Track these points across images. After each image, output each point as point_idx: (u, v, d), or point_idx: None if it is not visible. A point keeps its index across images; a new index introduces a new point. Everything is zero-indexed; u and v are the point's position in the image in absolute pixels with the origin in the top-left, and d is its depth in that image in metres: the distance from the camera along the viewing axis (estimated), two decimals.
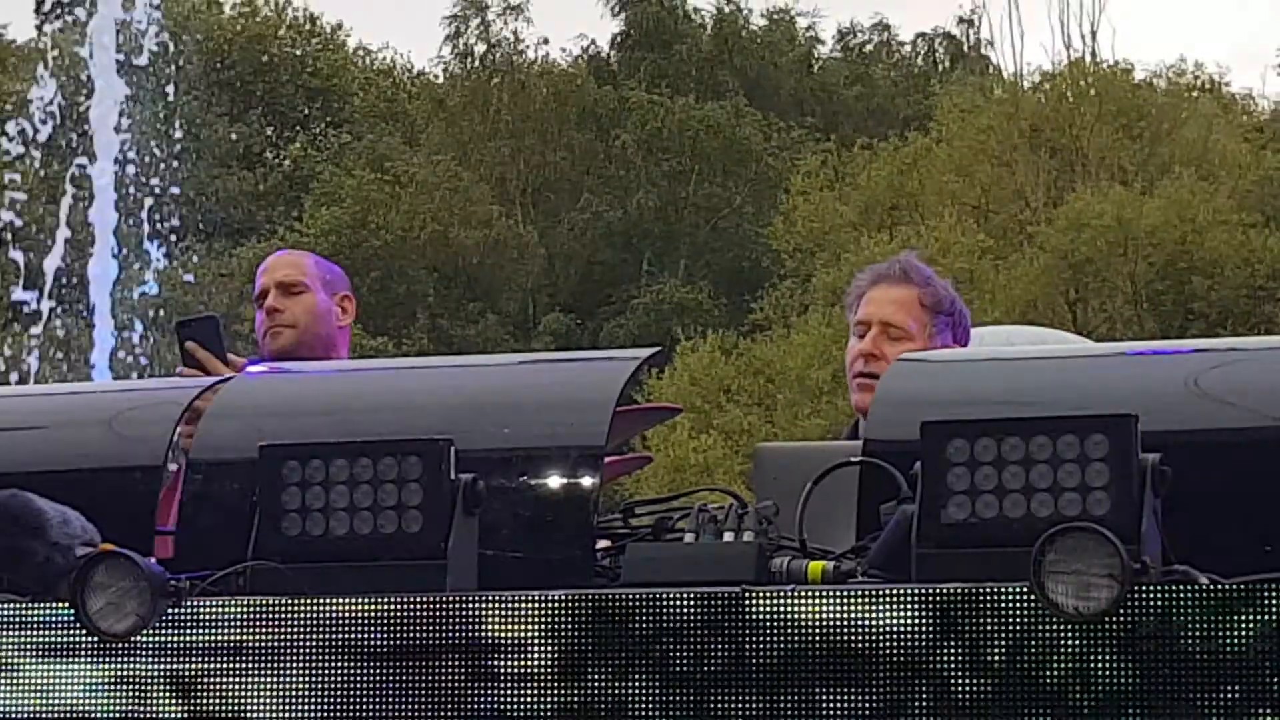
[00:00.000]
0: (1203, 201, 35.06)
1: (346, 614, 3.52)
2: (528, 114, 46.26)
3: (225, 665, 3.54)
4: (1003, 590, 3.26)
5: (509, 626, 3.45)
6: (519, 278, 44.53)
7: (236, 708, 3.53)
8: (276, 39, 48.24)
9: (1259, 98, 44.99)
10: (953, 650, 3.27)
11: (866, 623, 3.31)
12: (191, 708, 3.55)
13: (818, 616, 3.34)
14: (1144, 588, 3.22)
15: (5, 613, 3.64)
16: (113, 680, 3.57)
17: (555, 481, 3.75)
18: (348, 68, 49.26)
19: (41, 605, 3.62)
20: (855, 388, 5.36)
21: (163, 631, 3.56)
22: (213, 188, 40.55)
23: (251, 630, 3.54)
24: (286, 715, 3.52)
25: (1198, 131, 38.60)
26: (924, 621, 3.29)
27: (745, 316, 39.51)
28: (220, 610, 3.56)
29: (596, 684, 3.40)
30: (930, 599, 3.29)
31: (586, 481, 3.73)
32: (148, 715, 3.56)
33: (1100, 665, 3.21)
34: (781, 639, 3.34)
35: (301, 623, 3.53)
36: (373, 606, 3.51)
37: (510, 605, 3.46)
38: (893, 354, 5.29)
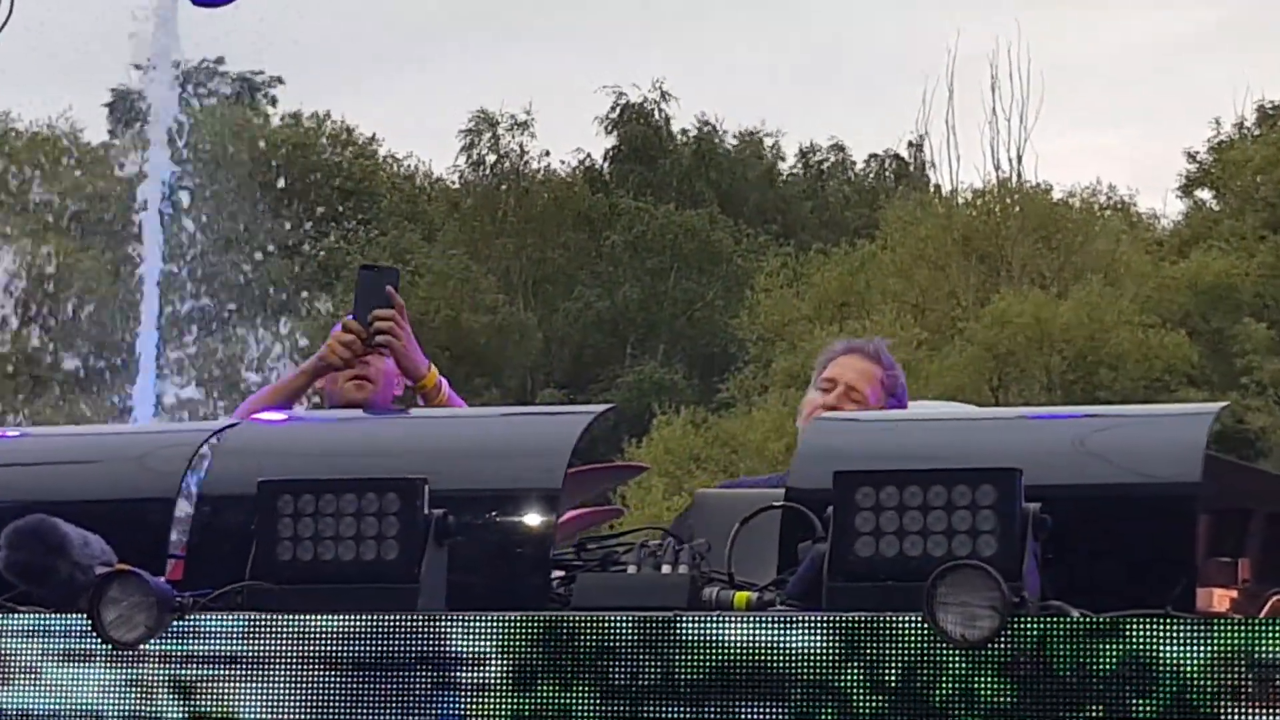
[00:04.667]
0: (1109, 304, 35.09)
1: (330, 629, 3.47)
2: (530, 216, 46.29)
3: (222, 672, 3.49)
4: (899, 619, 3.22)
5: (470, 643, 3.41)
6: (519, 357, 44.47)
7: (231, 710, 3.48)
8: (317, 146, 48.26)
9: (1161, 216, 44.98)
10: (855, 671, 3.23)
11: (781, 645, 3.27)
12: (191, 709, 3.50)
13: (739, 639, 3.29)
14: (1022, 619, 3.18)
15: (31, 622, 3.59)
16: (123, 683, 3.52)
17: (516, 518, 3.71)
18: (377, 173, 49.27)
19: (63, 616, 3.57)
20: None
21: (168, 641, 3.51)
22: (256, 274, 40.52)
23: (246, 642, 3.50)
24: (275, 717, 3.47)
25: (1107, 244, 38.65)
26: (831, 645, 3.24)
27: (714, 395, 39.44)
28: (219, 624, 3.52)
29: (545, 694, 3.36)
30: (836, 625, 3.25)
31: (543, 519, 3.69)
32: (152, 715, 3.51)
33: (982, 686, 3.17)
34: (707, 658, 3.30)
35: (290, 636, 3.48)
36: (353, 623, 3.47)
37: (472, 624, 3.42)
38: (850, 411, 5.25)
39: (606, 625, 3.35)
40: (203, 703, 3.49)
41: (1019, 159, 39.29)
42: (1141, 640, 3.11)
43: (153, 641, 3.49)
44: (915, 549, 3.31)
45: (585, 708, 3.33)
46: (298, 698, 3.46)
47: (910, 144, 47.89)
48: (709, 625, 3.32)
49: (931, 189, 42.39)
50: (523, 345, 44.49)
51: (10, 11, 6.44)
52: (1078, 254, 37.69)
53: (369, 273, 4.95)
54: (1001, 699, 3.15)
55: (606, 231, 46.14)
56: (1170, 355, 34.62)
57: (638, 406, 38.27)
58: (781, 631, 3.27)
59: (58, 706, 3.54)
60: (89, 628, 3.51)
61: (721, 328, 43.04)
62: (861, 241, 40.40)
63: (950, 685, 3.17)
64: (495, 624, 3.40)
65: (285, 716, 3.46)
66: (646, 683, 3.31)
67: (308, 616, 3.48)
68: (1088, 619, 3.18)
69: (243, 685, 3.48)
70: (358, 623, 3.46)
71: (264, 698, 3.47)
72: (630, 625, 3.34)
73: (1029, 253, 37.19)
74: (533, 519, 3.70)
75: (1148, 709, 3.09)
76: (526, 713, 3.35)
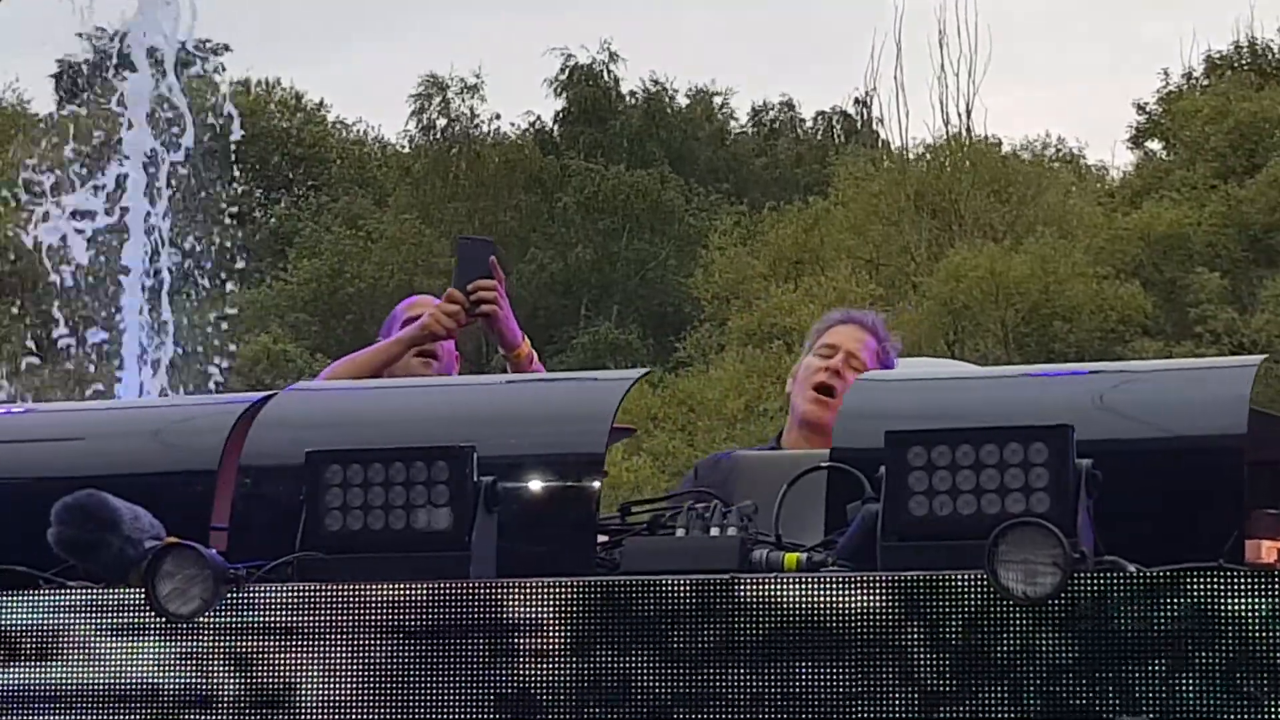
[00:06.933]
0: (1062, 257, 35.20)
1: (383, 599, 3.47)
2: (482, 179, 46.16)
3: (277, 644, 3.49)
4: (959, 577, 3.24)
5: (525, 609, 3.42)
6: (474, 321, 44.36)
7: (287, 681, 3.48)
8: (266, 113, 48.00)
9: (1110, 168, 45.12)
10: (916, 630, 3.25)
11: (841, 606, 3.28)
12: (247, 682, 3.50)
13: (798, 600, 3.31)
14: (1082, 574, 3.21)
15: (83, 597, 3.58)
16: (178, 657, 3.52)
17: (562, 483, 3.71)
18: (327, 139, 49.04)
19: (115, 591, 3.56)
20: (809, 399, 5.28)
21: (223, 614, 3.51)
22: (207, 242, 40.31)
23: (301, 613, 3.50)
24: (331, 687, 3.47)
25: (1058, 196, 38.77)
26: (891, 605, 3.26)
27: (670, 355, 39.47)
28: (274, 595, 3.51)
29: (603, 659, 3.36)
30: (897, 585, 3.27)
31: (588, 483, 3.70)
32: (208, 689, 3.51)
33: (1045, 642, 3.19)
34: (766, 620, 3.31)
35: (344, 606, 3.49)
36: (406, 592, 3.47)
37: (526, 591, 3.42)
38: (849, 379, 5.27)
39: (663, 589, 3.36)
40: (259, 675, 3.49)
41: (968, 114, 39.40)
42: (1202, 593, 3.14)
43: (208, 614, 3.49)
44: (969, 507, 3.32)
45: (645, 672, 3.34)
46: (353, 667, 3.47)
47: (857, 100, 47.92)
48: (767, 587, 3.33)
49: (881, 145, 42.45)
50: None
51: None
52: (1029, 207, 37.79)
53: (468, 243, 4.89)
54: (1063, 655, 3.18)
55: (558, 193, 46.04)
56: (1124, 306, 34.76)
57: (593, 367, 38.26)
58: (841, 592, 3.29)
59: (113, 682, 3.53)
60: (142, 602, 3.50)
61: (675, 287, 43.04)
62: (814, 199, 40.42)
63: (1012, 642, 3.20)
64: (551, 589, 3.40)
65: (341, 687, 3.46)
66: (706, 646, 3.32)
67: (362, 586, 3.47)
68: (1147, 573, 3.20)
69: (298, 656, 3.48)
70: (412, 591, 3.46)
71: (320, 668, 3.47)
72: (687, 589, 3.35)
73: (981, 207, 37.28)
74: (578, 484, 3.70)
75: (1211, 662, 3.11)
76: (586, 679, 3.36)
